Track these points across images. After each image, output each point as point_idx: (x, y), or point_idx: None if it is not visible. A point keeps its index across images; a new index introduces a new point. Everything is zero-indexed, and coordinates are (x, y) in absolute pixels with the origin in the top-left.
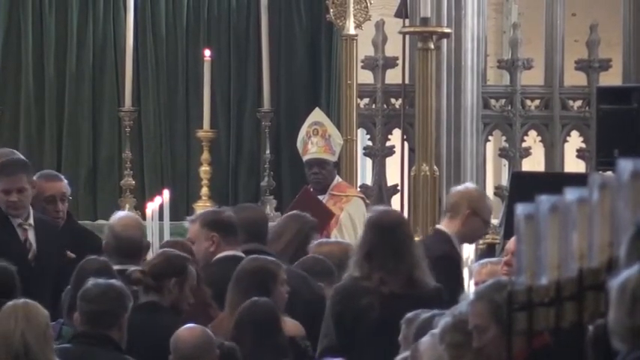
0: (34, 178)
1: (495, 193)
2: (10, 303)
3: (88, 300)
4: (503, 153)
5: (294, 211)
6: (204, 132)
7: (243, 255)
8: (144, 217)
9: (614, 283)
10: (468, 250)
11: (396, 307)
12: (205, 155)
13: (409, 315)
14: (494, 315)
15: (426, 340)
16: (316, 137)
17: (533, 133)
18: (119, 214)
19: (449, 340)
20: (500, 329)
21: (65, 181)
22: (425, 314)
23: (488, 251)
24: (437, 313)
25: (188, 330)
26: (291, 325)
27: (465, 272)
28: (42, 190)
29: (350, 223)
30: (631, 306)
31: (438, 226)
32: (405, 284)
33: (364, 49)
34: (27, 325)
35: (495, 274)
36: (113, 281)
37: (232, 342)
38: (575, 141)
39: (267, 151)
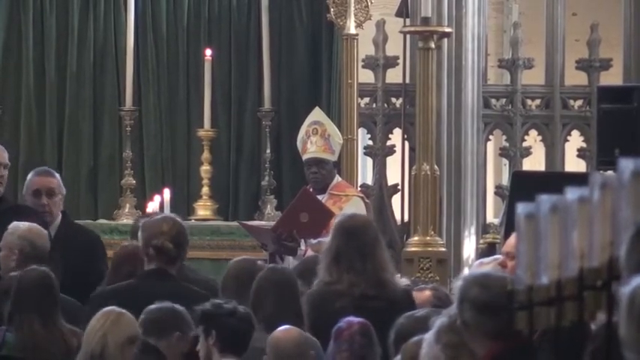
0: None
1: (496, 193)
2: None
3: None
4: (503, 152)
5: None
6: (205, 131)
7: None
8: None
9: (624, 293)
10: (468, 250)
11: (368, 308)
12: (206, 154)
13: (408, 313)
14: None
15: (428, 337)
16: (315, 136)
17: (533, 132)
18: (23, 225)
19: (445, 340)
20: None
21: (56, 177)
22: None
23: (488, 251)
24: (408, 317)
25: (284, 331)
26: None
27: (465, 271)
28: (31, 184)
29: None
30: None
31: None
32: (374, 285)
33: (365, 48)
34: (111, 328)
35: None
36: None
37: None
38: (575, 140)
39: (268, 151)
